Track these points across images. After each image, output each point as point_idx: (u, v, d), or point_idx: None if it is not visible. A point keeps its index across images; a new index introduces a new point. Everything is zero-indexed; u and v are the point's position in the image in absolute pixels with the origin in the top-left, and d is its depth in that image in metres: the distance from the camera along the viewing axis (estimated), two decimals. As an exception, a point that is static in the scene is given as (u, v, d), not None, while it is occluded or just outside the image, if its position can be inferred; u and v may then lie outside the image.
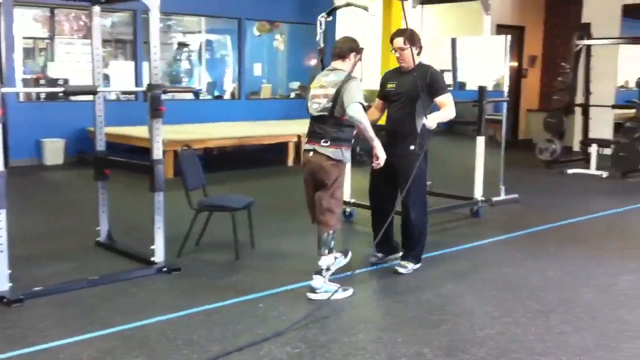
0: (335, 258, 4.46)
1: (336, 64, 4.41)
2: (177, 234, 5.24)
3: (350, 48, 4.40)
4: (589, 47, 10.92)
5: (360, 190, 7.71)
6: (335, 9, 6.14)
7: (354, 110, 4.13)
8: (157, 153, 4.72)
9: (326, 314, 4.08)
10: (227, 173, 9.36)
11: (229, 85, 12.63)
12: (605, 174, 9.45)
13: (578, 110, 11.36)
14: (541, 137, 10.69)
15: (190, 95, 12.04)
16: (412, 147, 4.73)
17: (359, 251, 5.34)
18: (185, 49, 12.90)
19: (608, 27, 11.28)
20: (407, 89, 4.75)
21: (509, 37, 7.03)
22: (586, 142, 10.65)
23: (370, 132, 4.25)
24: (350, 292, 4.41)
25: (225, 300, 4.27)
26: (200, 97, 11.96)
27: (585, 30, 10.78)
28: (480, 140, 6.80)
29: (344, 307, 4.22)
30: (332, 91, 4.24)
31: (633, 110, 9.77)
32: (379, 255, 5.10)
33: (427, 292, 4.50)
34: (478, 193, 6.79)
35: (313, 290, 4.33)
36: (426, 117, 4.62)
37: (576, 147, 11.67)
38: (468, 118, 7.32)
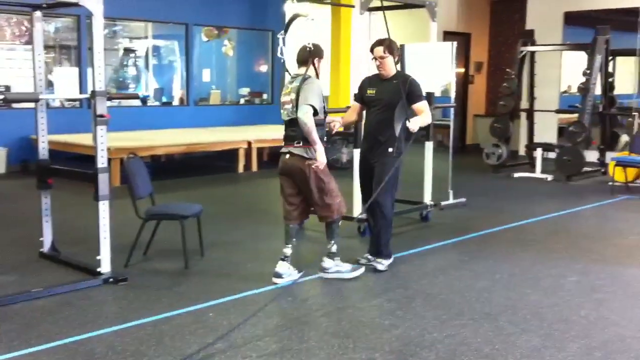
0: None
1: (299, 70, 4.71)
2: (124, 243, 5.14)
3: (310, 53, 4.66)
4: (532, 53, 11.20)
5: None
6: (289, 24, 6.45)
7: (302, 112, 4.45)
8: (102, 161, 4.61)
9: (278, 322, 4.05)
10: (175, 181, 9.24)
11: (178, 92, 12.48)
12: (550, 177, 9.68)
13: (523, 115, 11.63)
14: (488, 142, 10.89)
15: (137, 102, 11.84)
16: (390, 150, 5.00)
17: (308, 257, 5.34)
18: (132, 55, 12.69)
19: (551, 34, 11.60)
20: (388, 96, 4.99)
21: (454, 43, 7.14)
22: (531, 146, 10.90)
23: (315, 136, 4.49)
24: (361, 270, 4.88)
25: (175, 310, 4.20)
26: (148, 104, 11.78)
27: (528, 37, 11.05)
28: (429, 146, 6.88)
29: (295, 314, 4.19)
30: (294, 96, 4.54)
31: (576, 115, 10.04)
32: (370, 257, 5.20)
33: (378, 297, 4.52)
34: (427, 197, 6.87)
35: (324, 270, 4.83)
36: (409, 121, 4.82)
37: (522, 151, 11.94)
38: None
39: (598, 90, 10.20)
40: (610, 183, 8.81)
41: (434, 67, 7.17)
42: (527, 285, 4.83)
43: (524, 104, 11.39)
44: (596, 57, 9.77)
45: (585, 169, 9.83)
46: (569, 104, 11.47)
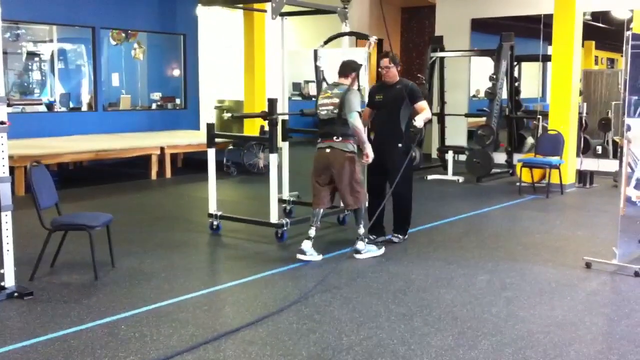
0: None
1: (339, 80, 5.59)
2: (30, 256, 4.92)
3: (351, 69, 5.60)
4: (442, 59, 11.50)
5: (230, 202, 7.64)
6: (333, 38, 7.05)
7: (353, 117, 5.38)
8: (3, 170, 4.37)
9: (193, 332, 3.95)
10: (84, 189, 8.91)
11: (86, 97, 12.05)
12: (461, 179, 9.96)
13: (435, 119, 11.91)
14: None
15: (43, 108, 11.37)
16: (399, 145, 5.85)
17: (226, 266, 5.26)
18: (36, 59, 12.17)
19: (459, 40, 11.95)
20: (394, 99, 5.90)
21: (366, 49, 7.20)
22: (443, 149, 11.19)
23: (364, 136, 5.53)
24: (383, 250, 5.70)
25: (84, 324, 4.04)
26: (55, 109, 11.32)
27: (438, 43, 11.34)
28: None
29: (211, 324, 4.11)
30: (337, 100, 5.43)
31: (484, 119, 10.38)
32: (372, 237, 5.95)
33: (296, 302, 4.48)
34: (343, 201, 6.90)
35: (358, 251, 5.58)
36: (414, 120, 5.71)
37: (435, 154, 12.24)
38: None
39: (505, 94, 10.59)
40: (517, 183, 9.14)
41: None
42: (441, 285, 4.93)
43: (435, 108, 11.67)
44: (502, 62, 10.14)
45: (494, 170, 10.18)
46: (477, 108, 11.85)
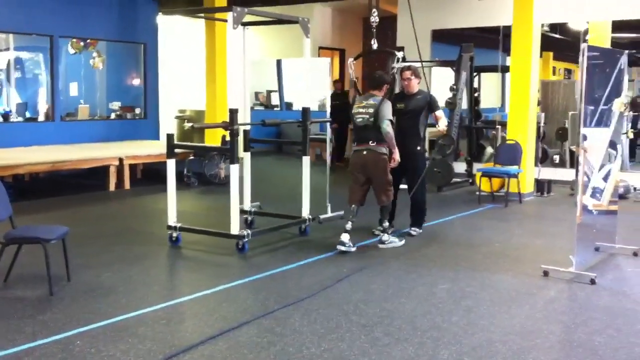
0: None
1: (373, 92, 6.38)
2: (-20, 270, 4.75)
3: (383, 81, 6.43)
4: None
5: (190, 214, 7.55)
6: (363, 54, 7.23)
7: (385, 124, 6.16)
8: (-47, 182, 4.24)
9: (150, 347, 3.87)
10: (40, 201, 8.71)
11: (43, 106, 11.80)
12: (422, 189, 9.99)
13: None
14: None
15: (-2, 118, 11.09)
16: (418, 148, 6.80)
17: (189, 276, 5.17)
18: (-8, 68, 11.89)
19: (420, 51, 12.03)
20: (415, 107, 6.76)
21: (328, 59, 7.23)
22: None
23: (393, 141, 6.22)
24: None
25: (38, 340, 3.93)
26: (10, 119, 11.05)
27: (389, 53, 11.39)
28: (306, 160, 6.91)
29: (169, 339, 4.03)
30: (372, 110, 6.21)
31: (444, 128, 10.44)
32: (380, 228, 6.63)
33: (257, 315, 4.43)
34: (305, 212, 6.88)
35: (382, 242, 6.36)
36: (438, 125, 6.93)
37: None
38: (294, 138, 7.41)
39: (465, 104, 10.70)
40: (477, 193, 9.24)
41: (310, 82, 7.22)
42: (401, 294, 4.93)
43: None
44: (462, 73, 10.25)
45: (455, 179, 10.28)
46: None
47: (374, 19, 7.28)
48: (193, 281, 5.42)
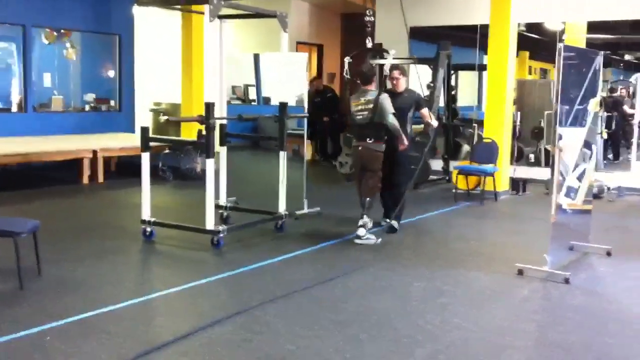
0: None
1: (365, 87, 6.63)
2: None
3: (372, 74, 6.85)
4: (381, 66, 11.56)
5: (165, 208, 7.45)
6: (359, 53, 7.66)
7: (390, 119, 6.44)
8: None
9: (123, 343, 3.80)
10: (11, 194, 8.54)
11: (16, 97, 11.59)
12: (398, 185, 10.00)
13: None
14: (342, 152, 11.08)
15: (-32, 108, 10.88)
16: (405, 143, 6.84)
17: (163, 272, 5.11)
18: (-38, 57, 11.63)
19: (398, 48, 12.04)
20: (403, 105, 6.81)
21: (306, 54, 7.19)
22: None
23: (400, 130, 6.53)
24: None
25: (7, 335, 3.85)
26: (-19, 110, 10.84)
27: (377, 50, 11.40)
28: (282, 155, 6.86)
29: (143, 337, 3.97)
30: (370, 106, 6.45)
31: (421, 126, 10.46)
32: (387, 220, 6.95)
33: (233, 311, 4.38)
34: (282, 207, 6.84)
35: (359, 237, 6.34)
36: (430, 122, 7.23)
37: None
38: (271, 133, 7.36)
39: (442, 102, 10.73)
40: (453, 190, 9.27)
41: (288, 77, 7.17)
42: (378, 292, 4.92)
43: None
44: (439, 71, 10.26)
45: (431, 177, 10.29)
46: (415, 115, 11.94)
47: (369, 18, 7.49)
48: (167, 277, 5.36)
